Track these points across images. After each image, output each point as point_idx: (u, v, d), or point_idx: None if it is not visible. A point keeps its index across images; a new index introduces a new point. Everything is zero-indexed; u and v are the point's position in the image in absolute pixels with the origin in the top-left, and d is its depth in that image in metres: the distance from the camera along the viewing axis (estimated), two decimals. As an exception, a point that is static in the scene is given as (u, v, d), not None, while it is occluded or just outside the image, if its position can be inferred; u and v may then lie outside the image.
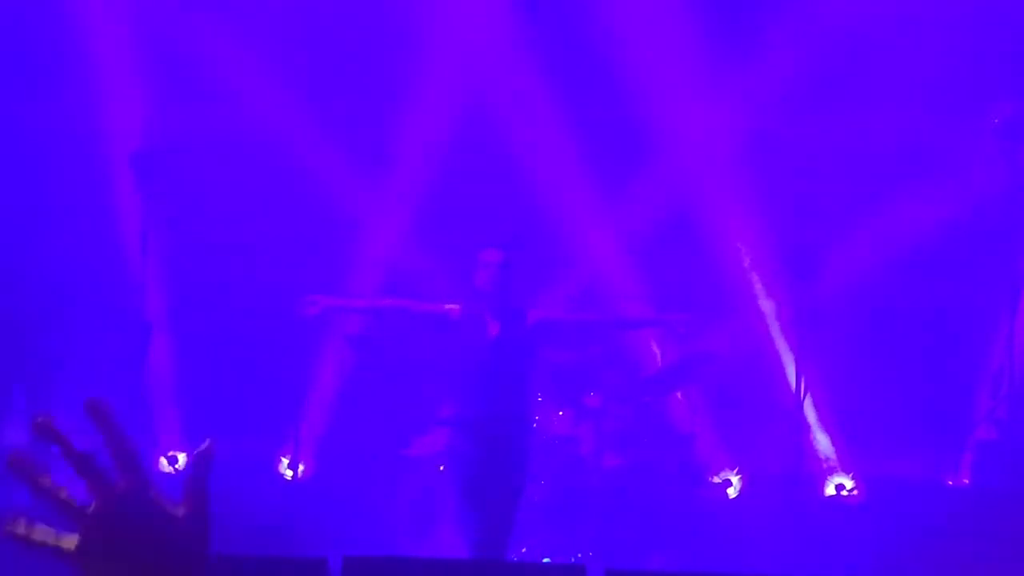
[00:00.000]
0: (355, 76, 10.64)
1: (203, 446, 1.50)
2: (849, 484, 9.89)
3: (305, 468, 9.91)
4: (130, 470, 1.45)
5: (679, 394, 9.74)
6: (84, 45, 10.44)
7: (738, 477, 9.87)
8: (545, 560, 8.58)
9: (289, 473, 9.77)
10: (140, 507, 1.45)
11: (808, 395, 8.79)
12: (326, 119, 10.59)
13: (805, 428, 9.49)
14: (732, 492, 9.87)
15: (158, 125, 10.24)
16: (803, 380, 8.67)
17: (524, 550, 8.51)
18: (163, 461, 10.12)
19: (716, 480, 9.87)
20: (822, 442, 10.03)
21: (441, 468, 8.40)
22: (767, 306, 10.25)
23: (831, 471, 9.98)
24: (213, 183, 10.34)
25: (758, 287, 10.32)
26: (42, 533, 1.42)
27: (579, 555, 8.77)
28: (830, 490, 9.92)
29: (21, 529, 1.41)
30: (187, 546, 1.46)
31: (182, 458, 9.91)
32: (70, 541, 1.44)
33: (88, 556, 1.43)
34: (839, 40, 10.31)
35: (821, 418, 10.05)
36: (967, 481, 9.69)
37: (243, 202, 10.36)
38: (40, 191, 10.27)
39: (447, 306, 7.87)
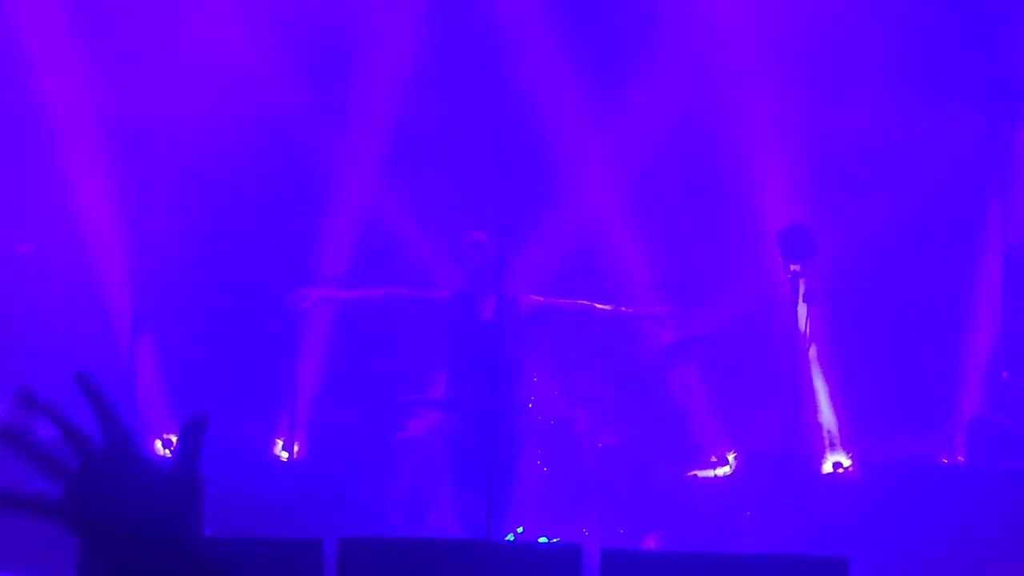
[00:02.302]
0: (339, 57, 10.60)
1: (196, 415, 1.53)
2: (846, 462, 9.90)
3: (300, 450, 9.90)
4: (112, 429, 1.49)
5: (675, 374, 9.73)
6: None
7: (733, 456, 9.87)
8: (541, 540, 8.58)
9: (284, 455, 9.76)
10: (123, 463, 1.48)
11: (813, 346, 8.81)
12: (300, 89, 10.52)
13: (806, 404, 9.50)
14: (727, 471, 9.87)
15: (135, 117, 10.18)
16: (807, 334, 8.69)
17: (520, 530, 8.50)
18: (158, 444, 10.09)
19: (712, 459, 9.88)
20: (825, 417, 10.04)
21: (435, 450, 8.40)
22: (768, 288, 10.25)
23: (830, 447, 9.99)
24: (194, 168, 10.30)
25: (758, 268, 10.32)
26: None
27: (575, 535, 8.77)
28: (827, 468, 9.93)
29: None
30: (175, 500, 1.47)
31: (175, 440, 9.87)
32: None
33: (74, 512, 1.45)
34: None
35: (822, 394, 10.06)
36: (961, 459, 9.71)
37: (227, 185, 10.34)
38: (13, 178, 10.22)
39: (438, 291, 7.87)
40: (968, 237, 10.27)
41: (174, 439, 10.00)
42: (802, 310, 8.78)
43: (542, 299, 7.95)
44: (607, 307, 8.27)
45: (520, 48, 10.58)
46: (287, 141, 10.48)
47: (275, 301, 9.02)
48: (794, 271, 8.80)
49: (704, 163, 10.52)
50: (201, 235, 10.39)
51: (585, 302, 8.24)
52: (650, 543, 8.85)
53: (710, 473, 9.65)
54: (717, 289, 10.12)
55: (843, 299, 10.09)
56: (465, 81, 10.59)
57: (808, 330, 8.87)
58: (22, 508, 1.43)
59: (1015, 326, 10.00)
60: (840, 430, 10.08)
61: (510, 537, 8.10)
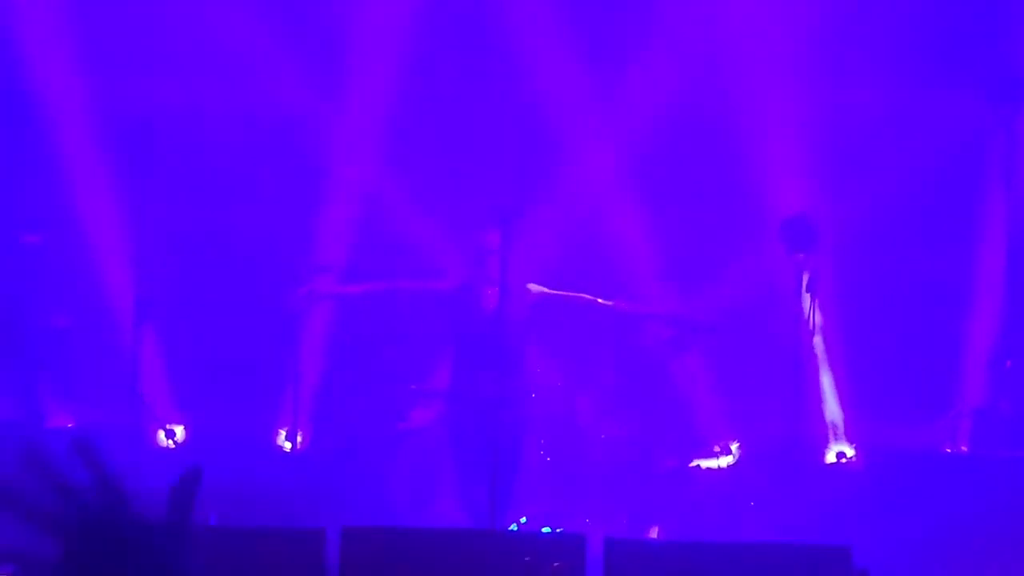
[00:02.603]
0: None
1: (192, 469, 1.63)
2: (850, 451, 9.90)
3: (303, 440, 9.90)
4: (107, 488, 1.57)
5: (679, 364, 9.73)
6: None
7: (736, 445, 9.87)
8: (544, 530, 8.59)
9: (288, 445, 9.76)
10: (117, 519, 1.56)
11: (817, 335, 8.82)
12: (301, 80, 10.52)
13: (810, 394, 9.49)
14: (730, 460, 9.86)
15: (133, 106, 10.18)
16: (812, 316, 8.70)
17: (524, 520, 8.51)
18: (161, 435, 10.09)
19: (716, 449, 9.87)
20: (829, 407, 10.03)
21: (438, 441, 8.40)
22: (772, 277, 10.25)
23: (834, 437, 9.99)
24: (196, 159, 10.31)
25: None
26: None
27: (578, 525, 8.77)
28: (831, 457, 9.92)
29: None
30: (163, 553, 1.55)
31: (179, 431, 9.89)
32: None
33: (69, 567, 1.53)
34: None
35: (827, 384, 10.06)
36: (965, 449, 9.70)
37: (230, 176, 10.34)
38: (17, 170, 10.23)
39: (442, 282, 7.87)
40: (970, 226, 10.26)
41: (177, 430, 10.00)
42: (806, 300, 8.78)
43: (546, 290, 7.95)
44: (609, 303, 8.27)
45: (523, 36, 10.56)
46: (288, 132, 10.47)
47: (278, 292, 9.02)
48: (797, 261, 8.79)
49: (708, 152, 10.49)
50: (203, 226, 10.39)
51: (588, 296, 8.24)
52: (653, 533, 8.86)
53: (713, 463, 9.65)
54: (720, 279, 10.11)
55: (846, 289, 10.08)
56: (467, 69, 10.57)
57: (812, 320, 8.86)
58: (21, 564, 1.51)
59: (1017, 314, 9.99)
60: (844, 420, 10.07)
61: (513, 527, 8.11)
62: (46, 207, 10.16)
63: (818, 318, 9.04)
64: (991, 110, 10.03)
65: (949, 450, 9.74)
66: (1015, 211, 10.02)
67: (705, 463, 9.65)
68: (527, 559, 4.28)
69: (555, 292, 8.07)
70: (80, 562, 1.52)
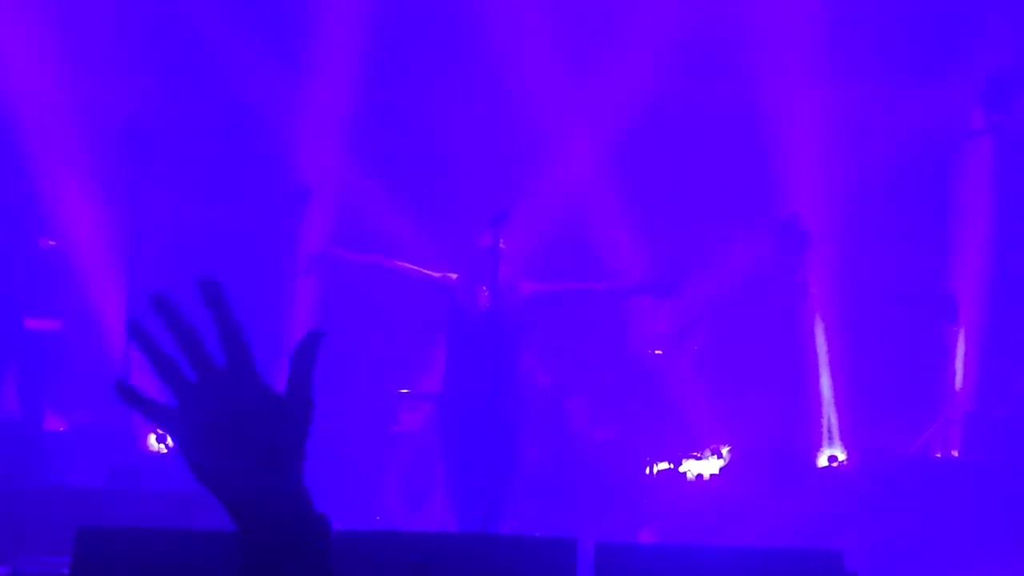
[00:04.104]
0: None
1: (310, 335, 1.60)
2: (842, 455, 9.91)
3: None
4: (235, 352, 1.50)
5: (671, 366, 9.74)
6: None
7: (728, 449, 9.88)
8: (536, 535, 8.59)
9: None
10: (241, 385, 1.50)
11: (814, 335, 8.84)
12: (279, 83, 10.53)
13: (802, 398, 9.50)
14: (722, 463, 9.87)
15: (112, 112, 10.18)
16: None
17: (515, 524, 8.51)
18: (152, 439, 10.08)
19: (708, 452, 9.88)
20: (823, 410, 10.05)
21: (429, 444, 8.40)
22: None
23: (828, 441, 10.00)
24: (181, 167, 10.32)
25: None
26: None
27: (570, 528, 8.78)
28: (822, 461, 9.94)
29: None
30: (288, 425, 1.50)
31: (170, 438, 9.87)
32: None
33: (186, 423, 1.48)
34: None
35: (822, 388, 10.07)
36: (955, 454, 9.72)
37: (218, 186, 10.36)
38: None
39: (447, 274, 7.86)
40: (962, 232, 10.28)
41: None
42: (797, 304, 8.79)
43: (538, 287, 7.93)
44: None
45: (504, 35, 10.57)
46: (272, 137, 10.48)
47: (268, 292, 9.01)
48: (789, 263, 8.81)
49: (696, 147, 10.52)
50: (192, 230, 10.39)
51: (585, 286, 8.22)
52: (645, 536, 8.86)
53: (705, 466, 9.66)
54: (710, 278, 10.11)
55: (837, 291, 10.09)
56: (450, 67, 10.59)
57: (803, 322, 8.88)
58: (140, 406, 1.44)
59: (1006, 319, 10.01)
60: (836, 424, 10.09)
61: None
62: (33, 215, 10.14)
63: (809, 320, 9.05)
64: (986, 115, 10.05)
65: (940, 455, 9.76)
66: (1006, 216, 10.04)
67: (696, 466, 9.65)
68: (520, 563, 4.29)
69: (551, 288, 8.03)
70: (197, 418, 1.47)
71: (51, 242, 9.69)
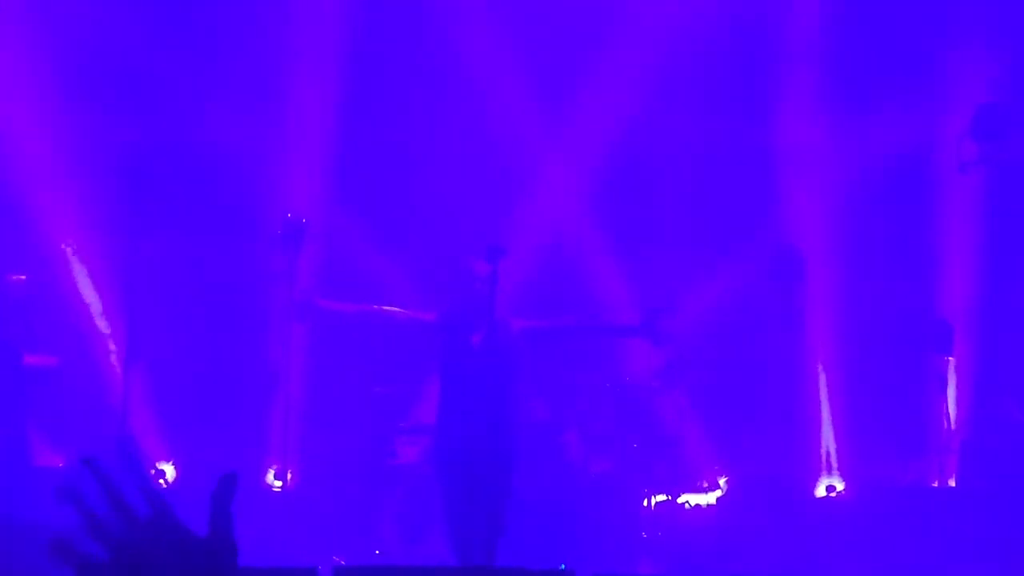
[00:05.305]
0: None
1: (226, 473, 1.64)
2: (840, 485, 9.92)
3: (292, 478, 9.89)
4: (155, 503, 1.61)
5: (666, 398, 9.75)
6: None
7: (724, 480, 9.88)
8: (534, 567, 8.58)
9: (278, 484, 9.75)
10: (164, 533, 1.59)
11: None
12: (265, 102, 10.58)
13: (799, 428, 9.52)
14: (718, 494, 9.88)
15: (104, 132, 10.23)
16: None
17: (513, 557, 8.50)
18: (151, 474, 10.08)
19: (704, 484, 9.89)
20: (825, 440, 10.05)
21: (427, 477, 8.40)
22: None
23: (826, 471, 10.01)
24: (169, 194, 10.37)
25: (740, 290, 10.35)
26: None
27: (567, 560, 8.77)
28: (820, 491, 9.95)
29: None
30: (213, 565, 1.60)
31: (169, 470, 9.89)
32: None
33: (119, 573, 1.56)
34: None
35: (822, 416, 10.09)
36: (952, 483, 9.72)
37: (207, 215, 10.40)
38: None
39: (431, 314, 7.87)
40: (952, 262, 10.32)
41: (167, 469, 9.99)
42: (794, 333, 8.82)
43: (532, 323, 7.95)
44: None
45: (490, 75, 10.62)
46: (255, 172, 10.53)
47: (264, 329, 9.01)
48: (785, 293, 8.85)
49: (692, 177, 10.56)
50: (188, 266, 10.42)
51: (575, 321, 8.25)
52: (643, 568, 8.85)
53: (702, 498, 9.66)
54: (704, 307, 10.13)
55: (834, 322, 10.12)
56: (427, 89, 10.64)
57: (801, 351, 8.91)
58: (74, 561, 1.53)
59: (1002, 350, 10.03)
60: (835, 454, 10.10)
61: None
62: (30, 246, 10.18)
63: (806, 349, 9.08)
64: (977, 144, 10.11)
65: (936, 484, 9.77)
66: (998, 245, 10.08)
67: (693, 498, 9.66)
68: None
69: (542, 325, 8.04)
70: (131, 568, 1.55)
71: (21, 277, 9.71)
